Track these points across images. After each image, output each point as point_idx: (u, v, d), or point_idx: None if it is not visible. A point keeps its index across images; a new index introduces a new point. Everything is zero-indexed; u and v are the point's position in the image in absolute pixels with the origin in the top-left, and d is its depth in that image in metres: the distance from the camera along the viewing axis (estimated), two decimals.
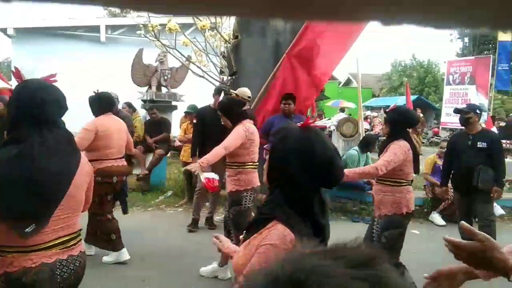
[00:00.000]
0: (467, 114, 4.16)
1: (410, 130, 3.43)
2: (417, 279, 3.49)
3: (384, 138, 3.36)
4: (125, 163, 3.96)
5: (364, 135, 6.64)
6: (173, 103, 7.74)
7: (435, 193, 5.63)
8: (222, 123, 3.53)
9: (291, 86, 4.98)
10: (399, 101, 7.16)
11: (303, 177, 1.23)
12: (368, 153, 5.99)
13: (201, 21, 6.95)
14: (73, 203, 1.70)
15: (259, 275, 0.46)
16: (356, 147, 5.92)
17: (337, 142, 6.98)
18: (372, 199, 3.46)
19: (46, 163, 1.56)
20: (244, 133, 3.29)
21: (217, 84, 7.46)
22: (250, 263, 1.23)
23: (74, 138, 1.77)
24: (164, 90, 7.64)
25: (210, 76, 6.98)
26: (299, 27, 4.98)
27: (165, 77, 7.53)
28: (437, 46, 60.81)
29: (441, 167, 5.10)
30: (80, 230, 1.80)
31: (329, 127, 8.00)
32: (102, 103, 3.78)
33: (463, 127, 4.36)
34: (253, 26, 5.80)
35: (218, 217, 5.29)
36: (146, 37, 6.97)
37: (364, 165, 5.94)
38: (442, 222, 5.48)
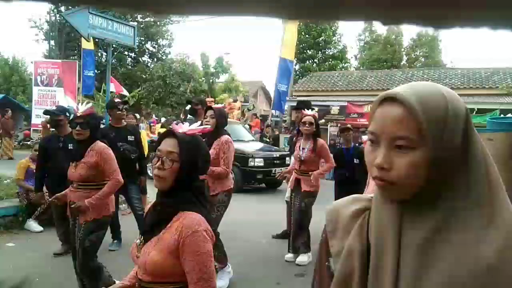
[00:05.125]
0: (58, 116, 4.25)
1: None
2: None
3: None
4: None
5: None
6: None
7: (30, 199, 5.35)
8: None
9: None
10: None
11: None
12: None
13: None
14: None
15: None
16: None
17: None
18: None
19: None
20: None
21: None
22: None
23: None
24: None
25: None
26: None
27: None
28: (24, 44, 58.02)
29: (34, 171, 4.92)
30: None
31: None
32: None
33: (54, 129, 4.43)
34: None
35: None
36: None
37: None
38: (40, 228, 5.30)
